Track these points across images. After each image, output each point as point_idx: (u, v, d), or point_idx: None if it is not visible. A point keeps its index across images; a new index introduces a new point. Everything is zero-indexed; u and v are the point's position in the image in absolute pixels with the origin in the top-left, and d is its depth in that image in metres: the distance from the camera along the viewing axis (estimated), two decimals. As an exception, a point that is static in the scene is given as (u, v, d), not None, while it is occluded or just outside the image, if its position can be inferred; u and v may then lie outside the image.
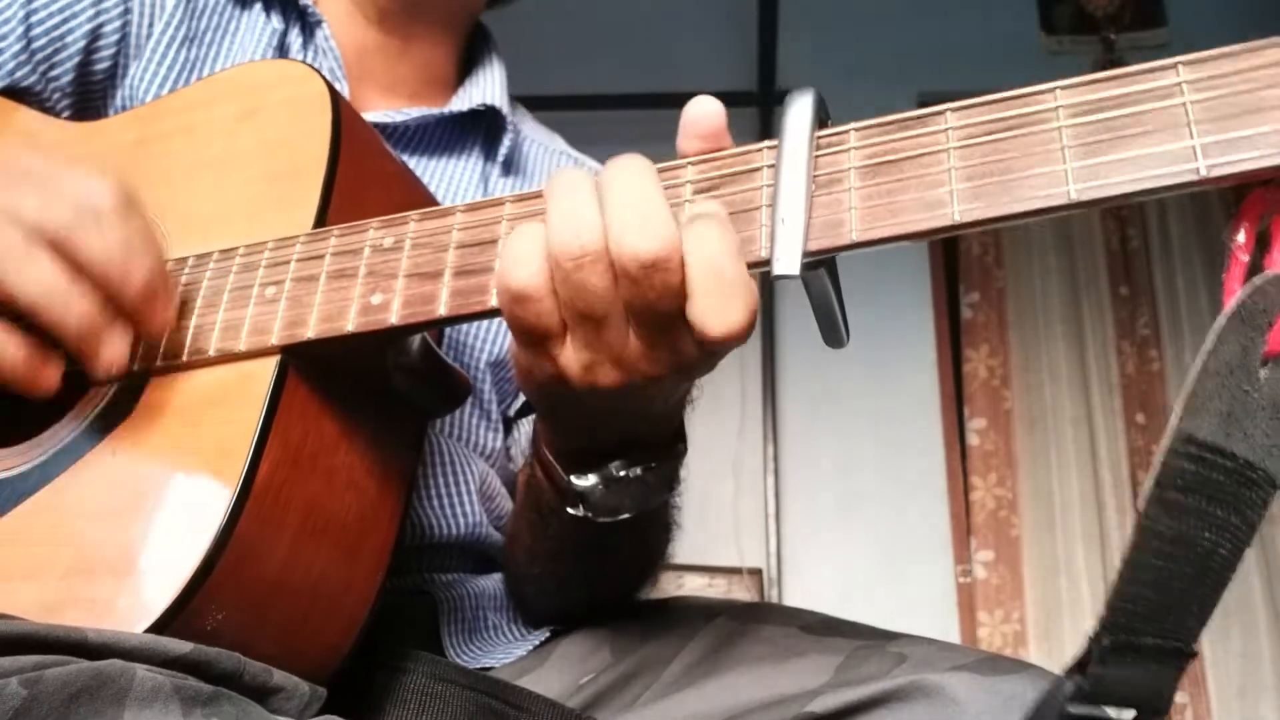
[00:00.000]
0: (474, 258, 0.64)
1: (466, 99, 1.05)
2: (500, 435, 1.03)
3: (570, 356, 0.60)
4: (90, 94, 0.96)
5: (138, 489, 0.65)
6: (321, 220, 0.71)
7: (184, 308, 0.71)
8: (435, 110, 1.03)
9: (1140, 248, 3.58)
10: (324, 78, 0.79)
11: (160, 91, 0.94)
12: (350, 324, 0.65)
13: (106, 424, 0.69)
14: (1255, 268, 0.48)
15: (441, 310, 0.63)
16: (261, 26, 1.00)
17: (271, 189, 0.75)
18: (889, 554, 3.27)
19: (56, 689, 0.47)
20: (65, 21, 0.93)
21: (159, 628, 0.59)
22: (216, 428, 0.65)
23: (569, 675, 0.86)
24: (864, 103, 3.55)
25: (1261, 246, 0.48)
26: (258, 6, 1.01)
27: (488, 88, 1.07)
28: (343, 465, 0.69)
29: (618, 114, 3.50)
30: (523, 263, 0.58)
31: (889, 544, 3.28)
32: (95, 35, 0.94)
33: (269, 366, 0.66)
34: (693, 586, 3.08)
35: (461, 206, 0.66)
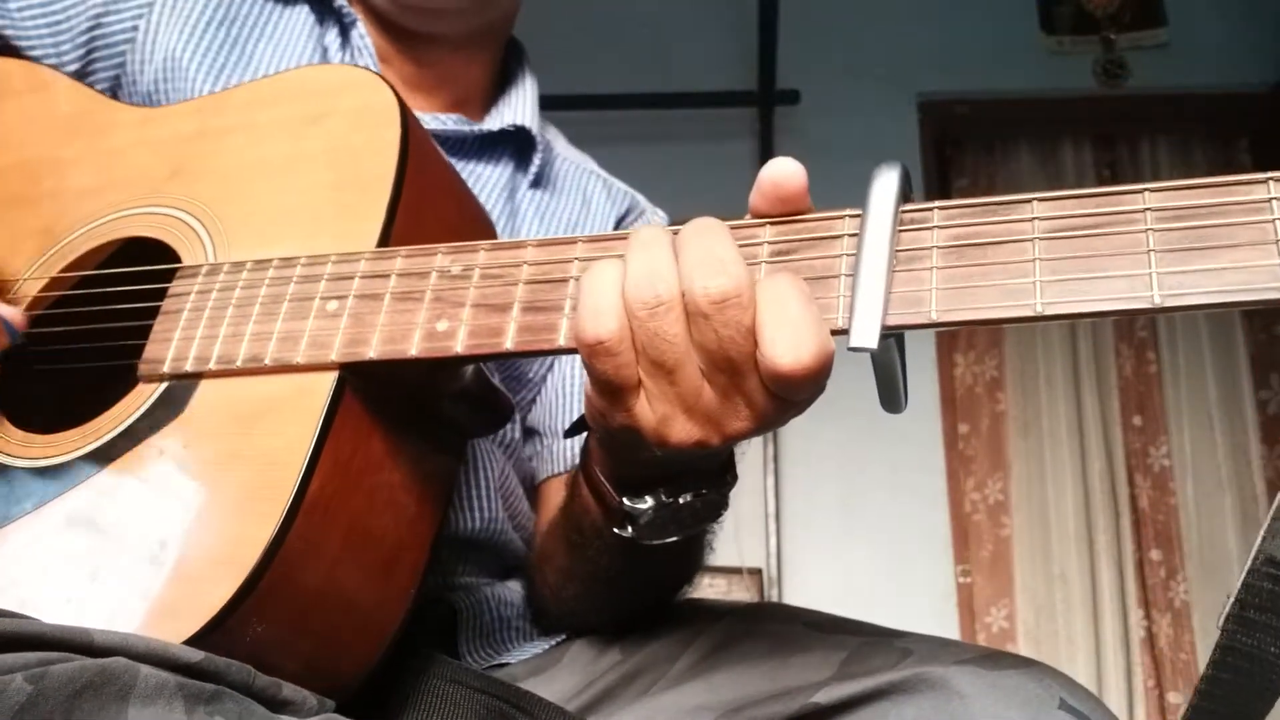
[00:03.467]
0: (544, 294, 0.63)
1: (499, 118, 1.06)
2: (517, 425, 1.03)
3: (645, 409, 0.60)
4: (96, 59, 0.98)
5: (184, 493, 0.65)
6: (386, 236, 0.71)
7: (241, 312, 0.71)
8: (468, 127, 1.03)
9: (1139, 250, 3.58)
10: (393, 89, 0.78)
11: (203, 64, 0.96)
12: (414, 348, 0.65)
13: (154, 422, 0.69)
14: None
15: (508, 344, 0.63)
16: (307, 31, 1.01)
17: (335, 198, 0.74)
18: (889, 553, 3.27)
19: (61, 685, 0.48)
20: None
21: (203, 634, 0.59)
22: (268, 438, 0.65)
23: (580, 675, 0.88)
24: (864, 103, 3.53)
25: None
26: (302, 8, 1.02)
27: (519, 107, 1.08)
28: (385, 484, 0.69)
29: (618, 114, 3.49)
30: (603, 315, 0.58)
31: (889, 543, 3.28)
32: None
33: (327, 381, 0.66)
34: (692, 587, 3.08)
35: (533, 241, 0.66)
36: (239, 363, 0.69)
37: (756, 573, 3.24)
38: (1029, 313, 0.53)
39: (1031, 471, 3.42)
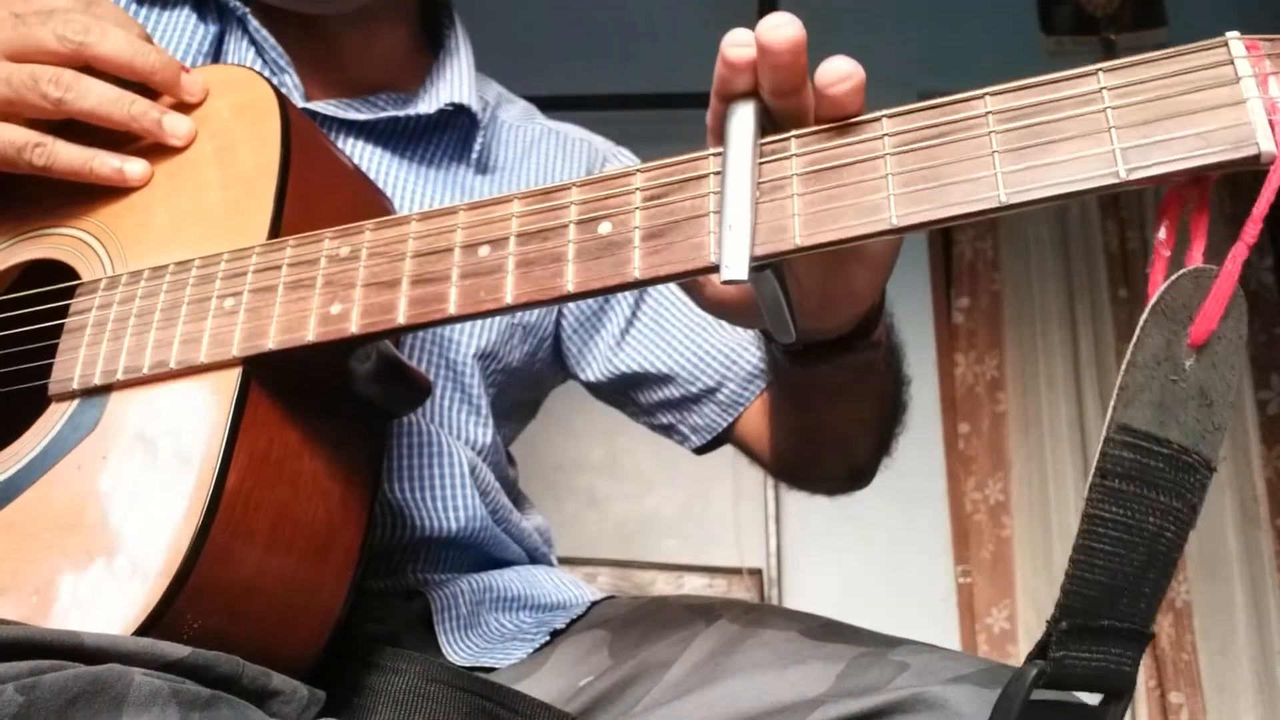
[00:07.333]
0: (431, 266, 0.64)
1: (434, 98, 1.02)
2: (490, 429, 1.02)
3: None
4: None
5: (106, 503, 0.66)
6: (276, 227, 0.72)
7: (143, 321, 0.71)
8: (402, 111, 1.00)
9: (1140, 250, 3.57)
10: (270, 83, 0.79)
11: None
12: (311, 334, 0.66)
13: (70, 439, 0.69)
14: (1178, 264, 0.50)
15: (401, 319, 0.64)
16: (191, 28, 0.99)
17: (224, 197, 0.75)
18: (889, 554, 3.26)
19: (53, 694, 0.48)
20: None
21: (140, 635, 0.59)
22: (183, 440, 0.66)
23: (567, 677, 0.87)
24: (864, 102, 3.53)
25: (1183, 243, 0.50)
26: (184, 9, 0.99)
27: (455, 81, 1.04)
28: (308, 470, 0.70)
29: (618, 114, 3.49)
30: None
31: (889, 544, 3.27)
32: None
33: (231, 378, 0.67)
34: (693, 586, 3.09)
35: (416, 215, 0.67)
36: (145, 370, 0.69)
37: (756, 573, 3.23)
38: (884, 226, 0.54)
39: (1032, 472, 3.40)
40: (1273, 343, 3.40)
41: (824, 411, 0.93)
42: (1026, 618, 3.23)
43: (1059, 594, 0.50)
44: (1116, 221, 3.59)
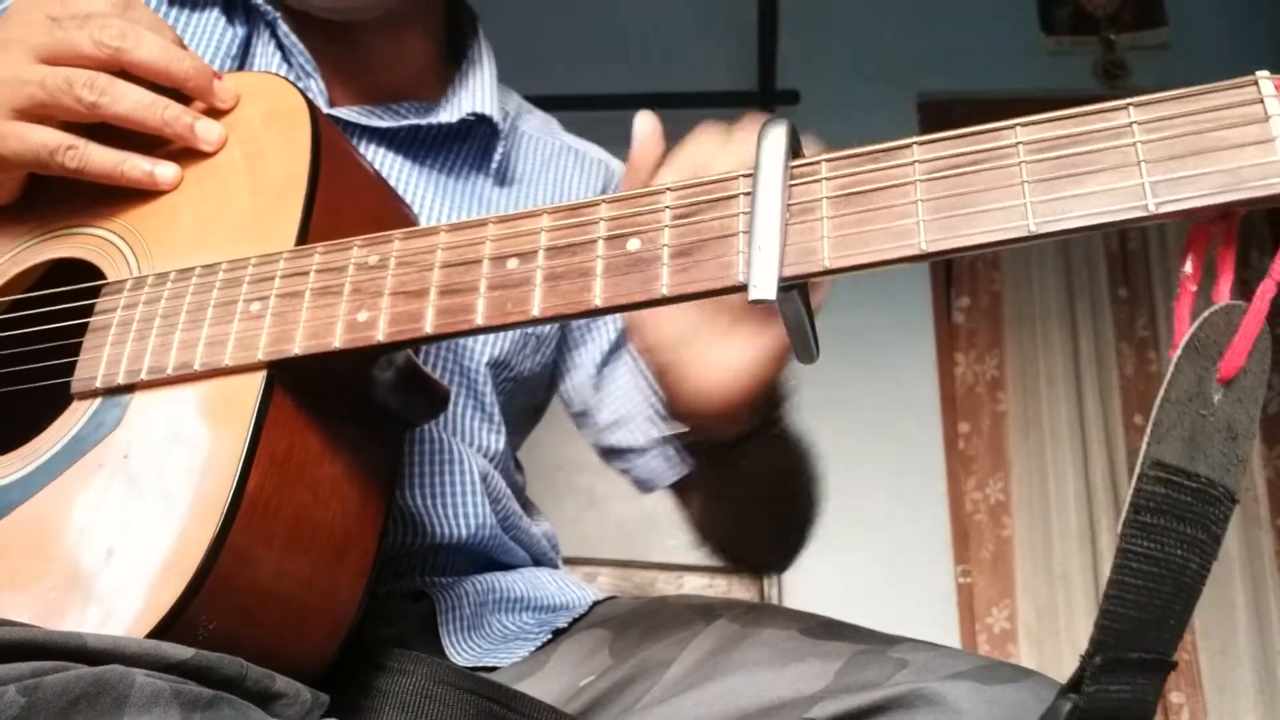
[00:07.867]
0: (459, 277, 0.65)
1: (456, 107, 1.02)
2: (502, 437, 1.03)
3: None
4: None
5: (125, 502, 0.66)
6: (304, 235, 0.72)
7: (168, 322, 0.71)
8: (423, 119, 1.00)
9: (1139, 250, 3.58)
10: (301, 91, 0.79)
11: None
12: (337, 340, 0.66)
13: (91, 437, 0.69)
14: (1204, 296, 0.51)
15: (428, 328, 0.64)
16: (220, 31, 0.98)
17: (253, 203, 0.75)
18: (889, 554, 3.27)
19: (55, 696, 0.48)
20: None
21: (154, 637, 0.59)
22: (205, 442, 0.66)
23: (569, 677, 0.87)
24: (864, 103, 3.52)
25: (1210, 277, 0.51)
26: (213, 11, 0.99)
27: (477, 91, 1.04)
28: (327, 475, 0.70)
29: (618, 114, 3.48)
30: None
31: (889, 544, 3.28)
32: None
33: (256, 381, 0.67)
34: (693, 586, 3.07)
35: (445, 226, 0.67)
36: (169, 371, 0.69)
37: (757, 573, 3.23)
38: (913, 252, 0.55)
39: (1033, 471, 3.42)
40: (1272, 343, 3.40)
41: (714, 508, 0.97)
42: (1027, 617, 3.24)
43: (1093, 629, 0.50)
44: (1116, 223, 3.59)
